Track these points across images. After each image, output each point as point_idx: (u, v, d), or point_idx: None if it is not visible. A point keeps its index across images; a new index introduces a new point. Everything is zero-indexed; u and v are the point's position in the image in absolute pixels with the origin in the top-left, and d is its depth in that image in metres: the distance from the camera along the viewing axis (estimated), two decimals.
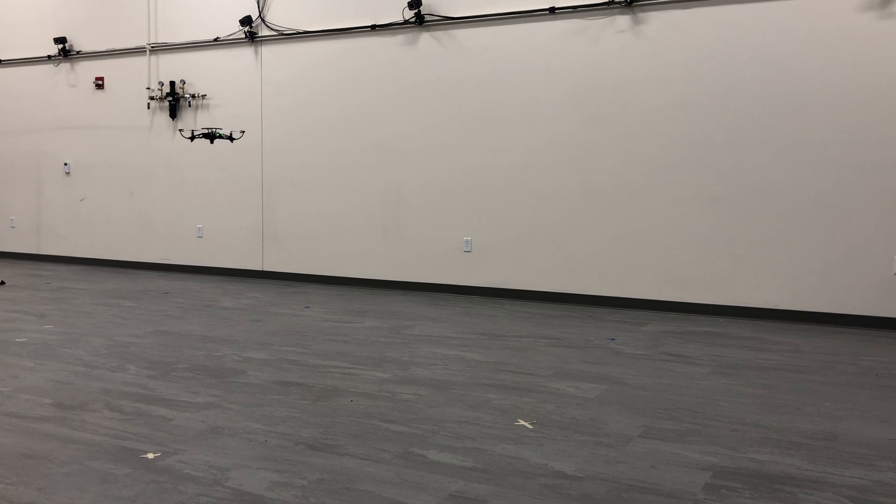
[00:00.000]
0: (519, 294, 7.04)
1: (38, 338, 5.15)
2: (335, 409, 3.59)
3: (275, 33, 8.10)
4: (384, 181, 7.62)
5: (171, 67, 8.80)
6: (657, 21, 6.39)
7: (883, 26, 5.66)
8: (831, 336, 5.46)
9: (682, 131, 6.33)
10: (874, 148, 5.71)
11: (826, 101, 5.84)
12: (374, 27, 7.57)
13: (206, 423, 3.36)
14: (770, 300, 6.08)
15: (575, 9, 6.67)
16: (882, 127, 5.68)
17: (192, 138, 7.07)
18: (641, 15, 6.45)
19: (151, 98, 8.86)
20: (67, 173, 9.59)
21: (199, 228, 8.72)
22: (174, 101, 8.72)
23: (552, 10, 6.75)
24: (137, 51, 8.98)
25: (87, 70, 9.36)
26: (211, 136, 7.05)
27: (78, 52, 9.38)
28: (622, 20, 6.52)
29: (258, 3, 8.17)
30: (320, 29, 7.85)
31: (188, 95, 8.62)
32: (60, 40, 9.37)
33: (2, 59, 9.97)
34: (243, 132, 7.93)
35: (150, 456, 2.96)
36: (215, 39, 8.46)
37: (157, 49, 8.86)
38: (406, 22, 7.39)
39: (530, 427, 3.36)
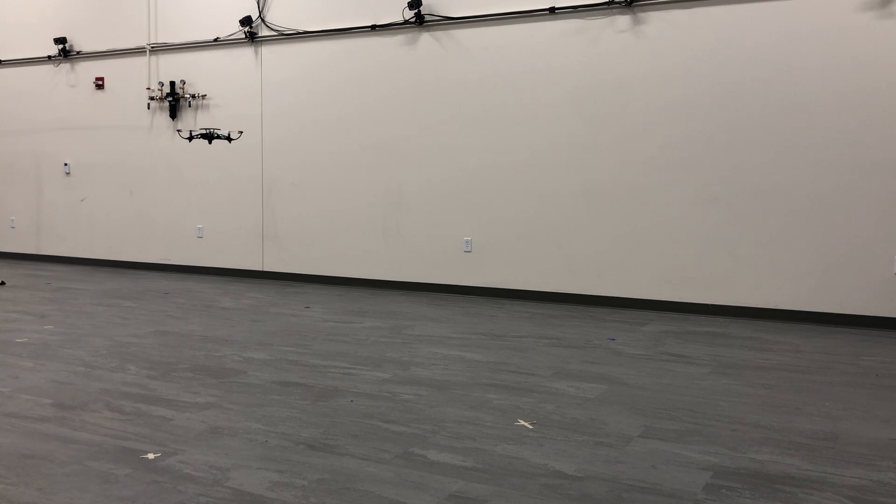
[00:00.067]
0: (519, 294, 7.04)
1: (38, 338, 5.15)
2: (335, 410, 3.59)
3: (275, 33, 8.10)
4: (384, 181, 7.62)
5: (171, 67, 8.80)
6: (657, 21, 6.40)
7: (883, 26, 5.66)
8: (831, 336, 5.46)
9: (682, 131, 6.33)
10: (874, 148, 5.71)
11: (826, 101, 5.84)
12: (374, 27, 7.57)
13: (207, 424, 3.36)
14: (770, 300, 6.09)
15: (575, 9, 6.67)
16: (882, 127, 5.68)
17: (191, 139, 7.06)
18: (641, 15, 6.45)
19: (151, 98, 8.86)
20: (67, 173, 9.59)
21: (199, 228, 8.72)
22: (174, 101, 8.72)
23: (552, 10, 6.75)
24: (137, 51, 8.98)
25: (88, 70, 9.37)
26: (209, 136, 7.03)
27: (78, 53, 9.38)
28: (622, 20, 6.52)
29: (258, 3, 8.17)
30: (320, 29, 7.85)
31: (188, 96, 8.62)
32: (60, 40, 9.37)
33: (2, 59, 9.97)
34: (241, 132, 7.93)
35: (151, 456, 2.96)
36: (215, 39, 8.46)
37: (157, 49, 8.86)
38: (406, 22, 7.40)
39: (530, 427, 3.36)
